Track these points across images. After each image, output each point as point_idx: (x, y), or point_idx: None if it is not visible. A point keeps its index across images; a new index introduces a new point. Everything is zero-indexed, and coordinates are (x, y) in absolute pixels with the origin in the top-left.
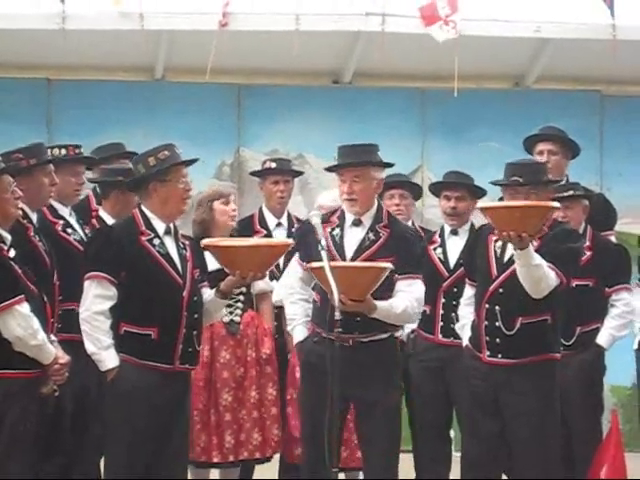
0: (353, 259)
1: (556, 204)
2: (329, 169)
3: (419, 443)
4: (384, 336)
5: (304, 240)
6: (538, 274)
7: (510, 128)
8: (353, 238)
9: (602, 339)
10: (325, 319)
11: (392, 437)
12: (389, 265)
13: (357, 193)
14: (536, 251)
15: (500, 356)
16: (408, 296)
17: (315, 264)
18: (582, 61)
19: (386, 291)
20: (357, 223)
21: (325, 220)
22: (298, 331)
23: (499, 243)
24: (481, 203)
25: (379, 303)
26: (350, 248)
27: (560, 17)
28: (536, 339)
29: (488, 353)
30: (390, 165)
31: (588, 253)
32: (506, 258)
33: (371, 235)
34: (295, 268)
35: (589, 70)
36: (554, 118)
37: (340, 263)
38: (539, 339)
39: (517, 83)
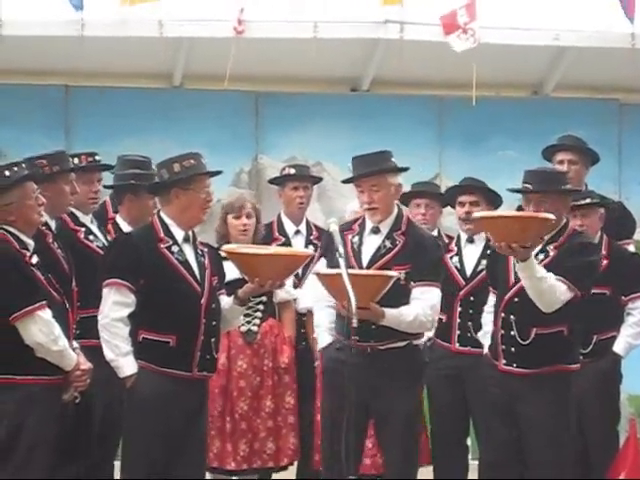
0: (369, 266)
1: (551, 216)
2: (346, 181)
3: (437, 452)
4: (402, 344)
5: (330, 248)
6: (542, 287)
7: (528, 137)
8: (370, 245)
9: (619, 347)
10: (342, 327)
11: (410, 445)
12: (394, 273)
13: (377, 202)
14: (550, 262)
15: (515, 365)
16: (421, 304)
17: (323, 272)
18: (601, 69)
19: (402, 299)
20: (375, 231)
21: (347, 228)
22: (322, 337)
23: None
24: (477, 213)
25: (388, 311)
26: (367, 255)
27: (579, 25)
28: (551, 350)
29: (504, 362)
30: (405, 169)
31: (604, 262)
32: None
33: (387, 243)
34: None
35: (608, 79)
36: (572, 127)
37: (348, 271)
38: (554, 350)
39: (535, 91)
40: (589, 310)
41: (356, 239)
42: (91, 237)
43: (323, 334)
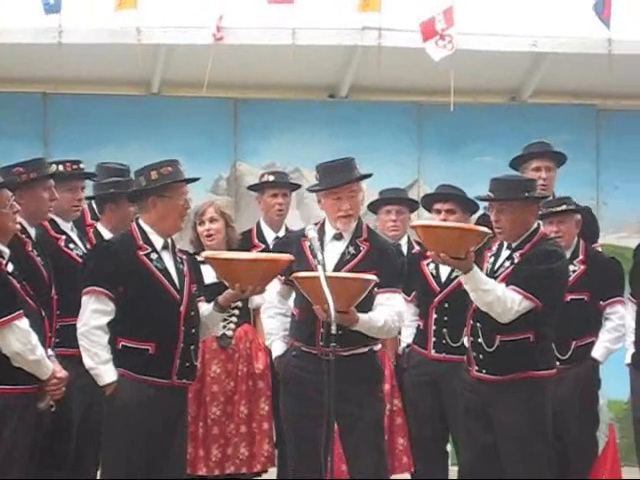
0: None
1: (487, 230)
2: (324, 189)
3: (418, 457)
4: (364, 350)
5: (285, 253)
6: (488, 299)
7: (506, 142)
8: (333, 252)
9: (597, 353)
10: (306, 333)
11: (378, 449)
12: (374, 277)
13: (354, 209)
14: (514, 269)
15: (485, 372)
16: (388, 310)
17: (303, 274)
18: (578, 75)
19: (366, 305)
20: (338, 237)
21: (303, 234)
22: (276, 345)
23: (492, 259)
24: (414, 222)
25: (361, 316)
26: (330, 261)
27: (556, 31)
28: (518, 357)
29: (476, 368)
30: (369, 176)
31: (582, 267)
32: (496, 270)
33: (351, 249)
34: (273, 282)
35: (585, 84)
36: (550, 132)
37: (327, 274)
38: (521, 357)
39: (513, 97)
40: (567, 316)
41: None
42: (71, 245)
43: (277, 342)
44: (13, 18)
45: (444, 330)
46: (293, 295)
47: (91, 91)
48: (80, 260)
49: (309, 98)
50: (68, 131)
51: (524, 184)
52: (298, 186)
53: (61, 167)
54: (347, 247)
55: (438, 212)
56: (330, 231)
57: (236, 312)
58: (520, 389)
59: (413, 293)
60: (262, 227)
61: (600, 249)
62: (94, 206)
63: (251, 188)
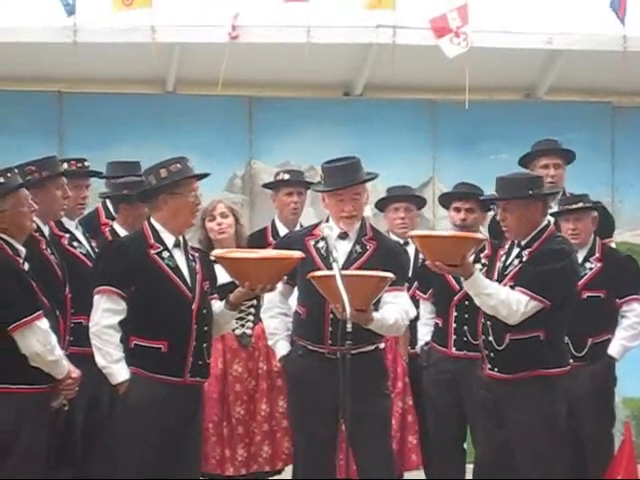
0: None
1: (482, 236)
2: (327, 191)
3: (435, 456)
4: (371, 348)
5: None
6: (491, 303)
7: (521, 140)
8: (340, 250)
9: (613, 350)
10: (314, 332)
11: (385, 447)
12: (391, 275)
13: (357, 210)
14: (522, 268)
15: (496, 370)
16: (398, 308)
17: (319, 273)
18: (593, 73)
19: (373, 303)
20: (343, 236)
21: (307, 233)
22: (281, 345)
23: (504, 257)
24: (411, 232)
25: (374, 314)
26: (338, 260)
27: (571, 28)
28: (528, 355)
29: (489, 366)
30: (374, 177)
31: (598, 265)
32: (506, 267)
33: (358, 247)
34: None
35: (600, 82)
36: (565, 130)
37: (345, 272)
38: (531, 355)
39: (528, 95)
40: (584, 313)
41: (322, 244)
42: (75, 243)
43: (281, 342)
44: (28, 17)
45: (465, 327)
46: (294, 294)
47: (106, 90)
48: (84, 258)
49: (324, 96)
50: (83, 130)
51: (529, 182)
52: (313, 184)
53: (66, 165)
54: (354, 246)
55: (457, 210)
56: (335, 230)
57: (252, 310)
58: (531, 387)
59: (430, 291)
60: (277, 225)
61: (614, 245)
62: (108, 205)
63: (266, 186)
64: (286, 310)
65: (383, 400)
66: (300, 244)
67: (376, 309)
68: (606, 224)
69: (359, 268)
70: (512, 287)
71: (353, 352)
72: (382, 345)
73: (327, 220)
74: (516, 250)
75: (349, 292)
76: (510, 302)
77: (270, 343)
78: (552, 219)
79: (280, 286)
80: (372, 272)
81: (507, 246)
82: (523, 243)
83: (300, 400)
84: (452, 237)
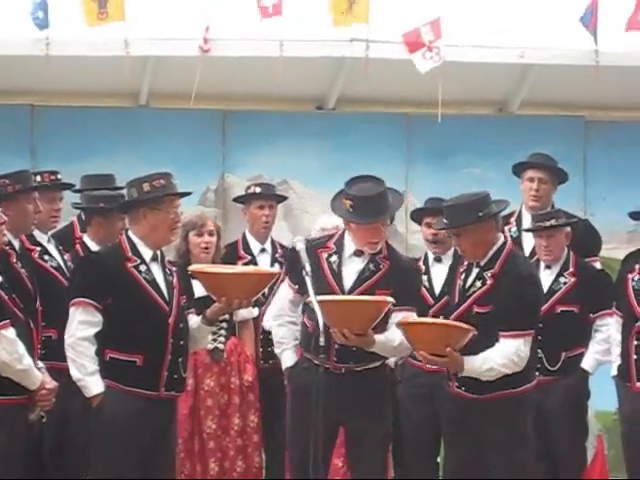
0: (352, 289)
1: (389, 299)
2: (357, 223)
3: (409, 470)
4: (377, 364)
5: (294, 265)
6: (493, 373)
7: (494, 154)
8: (353, 268)
9: (587, 364)
10: (316, 345)
11: (382, 465)
12: (391, 299)
13: (382, 236)
14: (488, 291)
15: (464, 389)
16: None
17: (324, 298)
18: (566, 87)
19: (381, 323)
20: (358, 254)
21: (321, 245)
22: (287, 356)
23: (463, 275)
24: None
25: (377, 337)
26: (349, 278)
27: (543, 43)
28: (496, 379)
29: (456, 384)
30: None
31: (572, 279)
32: (467, 288)
33: (371, 266)
34: (286, 290)
35: (573, 96)
36: (538, 144)
37: (344, 297)
38: (499, 379)
39: (501, 109)
40: (558, 327)
41: (334, 259)
42: (46, 257)
43: (288, 353)
44: (0, 30)
45: None
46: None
47: (79, 103)
48: (55, 272)
49: (297, 110)
50: (56, 143)
51: (476, 204)
52: (285, 198)
53: (39, 177)
54: (367, 264)
55: (428, 226)
56: (350, 247)
57: (224, 325)
58: (500, 407)
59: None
60: (248, 239)
61: (598, 265)
62: (83, 217)
63: (237, 200)
64: (295, 318)
65: (386, 418)
66: (312, 256)
67: (384, 330)
68: (591, 242)
69: (369, 288)
70: (479, 314)
71: (358, 368)
72: (388, 361)
73: (341, 236)
74: (476, 270)
75: (349, 316)
76: (505, 360)
77: (277, 352)
78: (509, 234)
79: (291, 294)
80: (369, 297)
81: (466, 264)
82: (482, 263)
83: (301, 413)
84: (442, 325)
